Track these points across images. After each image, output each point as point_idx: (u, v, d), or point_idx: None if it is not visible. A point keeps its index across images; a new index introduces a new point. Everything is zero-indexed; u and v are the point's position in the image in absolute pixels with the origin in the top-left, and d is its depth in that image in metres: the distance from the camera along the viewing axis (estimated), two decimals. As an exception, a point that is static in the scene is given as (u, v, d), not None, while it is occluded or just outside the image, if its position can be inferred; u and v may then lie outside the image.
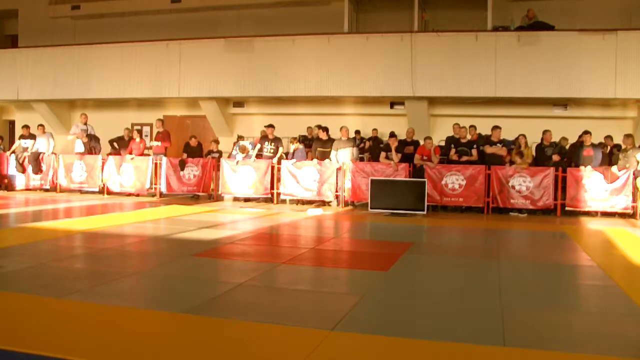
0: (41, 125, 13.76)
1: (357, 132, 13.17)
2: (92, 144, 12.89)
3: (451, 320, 3.55)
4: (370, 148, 12.23)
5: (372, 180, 10.07)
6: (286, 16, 14.40)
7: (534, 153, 10.70)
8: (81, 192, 12.72)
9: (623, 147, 10.23)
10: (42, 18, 16.11)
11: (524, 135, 10.61)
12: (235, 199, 11.73)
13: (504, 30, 12.41)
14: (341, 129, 11.15)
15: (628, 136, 10.29)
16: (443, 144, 12.35)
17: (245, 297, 4.06)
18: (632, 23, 12.26)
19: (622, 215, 9.94)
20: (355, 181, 10.74)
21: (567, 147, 11.20)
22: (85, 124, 13.28)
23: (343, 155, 10.95)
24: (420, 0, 13.09)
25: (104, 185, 12.50)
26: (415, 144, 11.15)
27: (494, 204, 10.27)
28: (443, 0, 13.61)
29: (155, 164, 12.15)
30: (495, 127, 10.66)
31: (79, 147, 13.08)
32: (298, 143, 11.98)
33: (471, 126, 11.17)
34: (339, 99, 13.47)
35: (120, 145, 12.86)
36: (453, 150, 10.71)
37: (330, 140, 11.34)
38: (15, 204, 10.62)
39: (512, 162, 10.53)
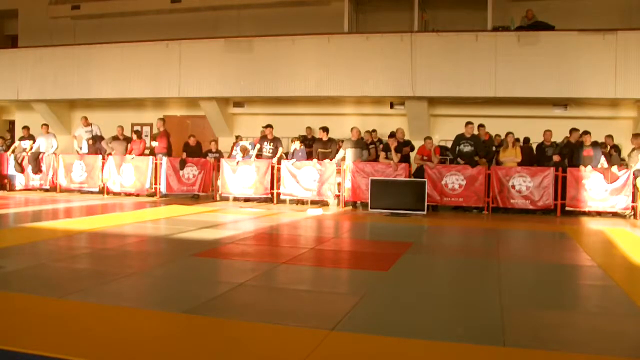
0: (45, 124, 13.78)
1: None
2: (97, 145, 12.89)
3: (451, 320, 3.55)
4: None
5: (372, 180, 10.07)
6: (286, 16, 14.39)
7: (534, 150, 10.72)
8: (81, 192, 12.72)
9: (632, 146, 10.25)
10: (42, 18, 16.10)
11: (512, 134, 10.57)
12: (235, 199, 11.73)
13: (504, 30, 12.40)
14: (352, 129, 11.15)
15: (636, 136, 10.30)
16: (444, 143, 12.35)
17: (245, 297, 4.06)
18: (632, 23, 12.24)
19: (622, 215, 9.95)
20: (355, 181, 10.74)
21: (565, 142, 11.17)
22: (88, 125, 13.28)
23: (350, 156, 10.92)
24: (420, 0, 13.09)
25: (104, 185, 12.50)
26: (408, 143, 11.12)
27: (494, 204, 10.27)
28: (443, 0, 13.60)
29: (155, 163, 12.15)
30: (468, 123, 10.56)
31: (85, 148, 13.14)
32: (299, 143, 11.98)
33: (480, 125, 11.07)
34: (339, 99, 13.46)
35: (114, 144, 12.76)
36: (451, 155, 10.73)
37: (330, 141, 11.34)
38: (15, 204, 10.62)
39: (498, 162, 10.51)
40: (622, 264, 5.65)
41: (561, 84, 11.67)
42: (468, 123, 10.58)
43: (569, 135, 10.63)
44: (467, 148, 10.41)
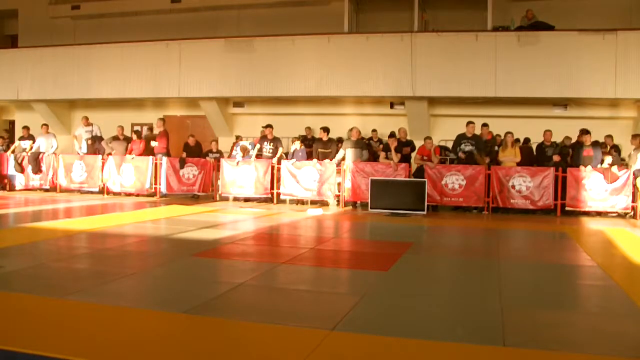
0: (45, 124, 13.80)
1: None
2: (96, 146, 12.90)
3: (451, 320, 3.55)
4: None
5: (372, 180, 10.07)
6: (286, 16, 14.39)
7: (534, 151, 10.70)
8: (81, 192, 12.72)
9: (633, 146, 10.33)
10: (42, 18, 16.11)
11: (511, 133, 10.58)
12: (235, 199, 11.73)
13: (504, 30, 12.40)
14: (351, 129, 11.15)
15: (635, 136, 10.33)
16: (443, 143, 12.32)
17: (245, 297, 4.07)
18: (632, 23, 12.25)
19: (622, 215, 9.95)
20: (355, 181, 10.74)
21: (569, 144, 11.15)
22: (88, 125, 13.30)
23: (350, 156, 10.92)
24: (420, 0, 13.09)
25: (104, 185, 12.50)
26: (409, 143, 11.12)
27: (494, 204, 10.27)
28: (443, 0, 13.61)
29: (155, 164, 12.15)
30: (469, 123, 10.52)
31: (85, 148, 13.16)
32: (299, 143, 11.97)
33: (483, 125, 11.04)
34: (339, 99, 13.47)
35: (114, 144, 12.78)
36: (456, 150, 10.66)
37: (331, 141, 11.34)
38: (15, 204, 10.62)
39: (497, 162, 10.50)
40: (622, 264, 5.65)
41: (561, 84, 11.67)
42: (469, 122, 10.54)
43: (571, 136, 10.63)
44: (468, 147, 10.39)
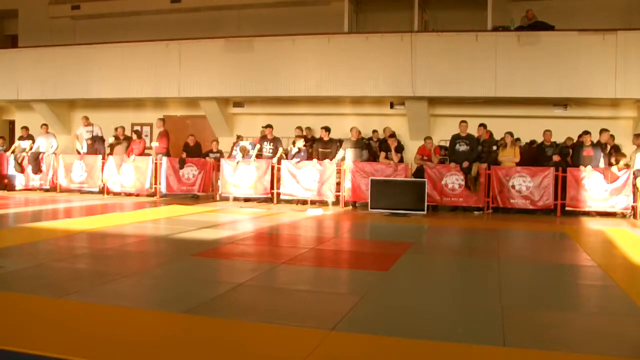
0: (45, 124, 13.80)
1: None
2: (96, 146, 12.91)
3: (451, 320, 3.56)
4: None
5: (372, 180, 10.08)
6: (286, 16, 14.39)
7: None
8: (81, 192, 12.72)
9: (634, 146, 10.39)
10: (42, 18, 16.10)
11: (510, 133, 10.58)
12: (235, 199, 11.73)
13: (504, 30, 12.39)
14: (351, 129, 11.15)
15: (638, 136, 10.35)
16: (443, 143, 12.32)
17: (245, 297, 4.07)
18: (632, 23, 12.24)
19: (622, 215, 9.95)
20: (355, 181, 10.74)
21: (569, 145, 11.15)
22: (88, 125, 13.30)
23: (350, 156, 10.92)
24: (420, 0, 13.09)
25: (104, 185, 12.50)
26: (384, 141, 11.15)
27: (494, 204, 10.27)
28: (443, 0, 13.60)
29: (155, 164, 12.16)
30: (462, 122, 10.56)
31: (85, 148, 13.17)
32: (303, 141, 11.94)
33: (480, 125, 11.04)
34: (339, 99, 13.46)
35: (115, 145, 12.78)
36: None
37: (332, 141, 11.34)
38: (15, 204, 10.62)
39: (497, 162, 10.49)
40: (622, 264, 5.65)
41: (561, 84, 11.66)
42: (462, 122, 10.59)
43: (572, 137, 10.63)
44: (462, 147, 10.40)
